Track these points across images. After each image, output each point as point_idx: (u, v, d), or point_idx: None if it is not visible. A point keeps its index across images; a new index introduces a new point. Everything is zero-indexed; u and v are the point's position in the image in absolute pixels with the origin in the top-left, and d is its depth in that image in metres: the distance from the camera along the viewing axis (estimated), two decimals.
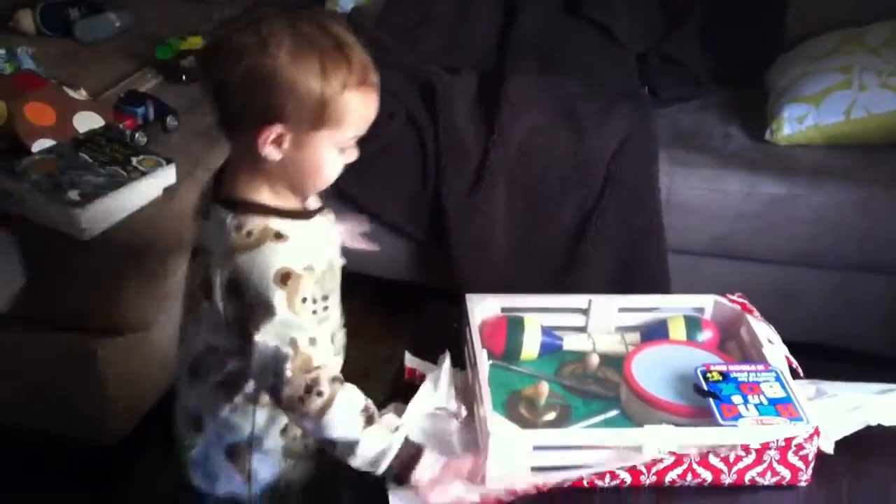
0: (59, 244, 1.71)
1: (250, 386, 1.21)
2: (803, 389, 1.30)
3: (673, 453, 1.19)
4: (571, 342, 1.43)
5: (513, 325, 1.40)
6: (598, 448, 1.20)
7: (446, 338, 1.41)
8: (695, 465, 1.21)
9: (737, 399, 1.23)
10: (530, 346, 1.40)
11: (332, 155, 1.15)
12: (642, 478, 1.21)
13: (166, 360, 1.89)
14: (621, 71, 2.43)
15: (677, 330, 1.41)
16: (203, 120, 2.10)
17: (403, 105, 2.21)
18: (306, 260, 1.14)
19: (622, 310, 1.46)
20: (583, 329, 1.46)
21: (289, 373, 1.11)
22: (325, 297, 1.21)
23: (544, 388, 1.29)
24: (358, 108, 1.13)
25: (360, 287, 1.44)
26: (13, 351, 1.78)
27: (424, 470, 1.16)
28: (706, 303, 1.46)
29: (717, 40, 2.47)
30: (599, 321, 1.45)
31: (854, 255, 2.07)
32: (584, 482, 1.21)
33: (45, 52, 2.33)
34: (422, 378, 1.35)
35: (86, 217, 1.69)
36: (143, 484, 1.86)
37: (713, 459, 1.20)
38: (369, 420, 1.15)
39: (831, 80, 2.17)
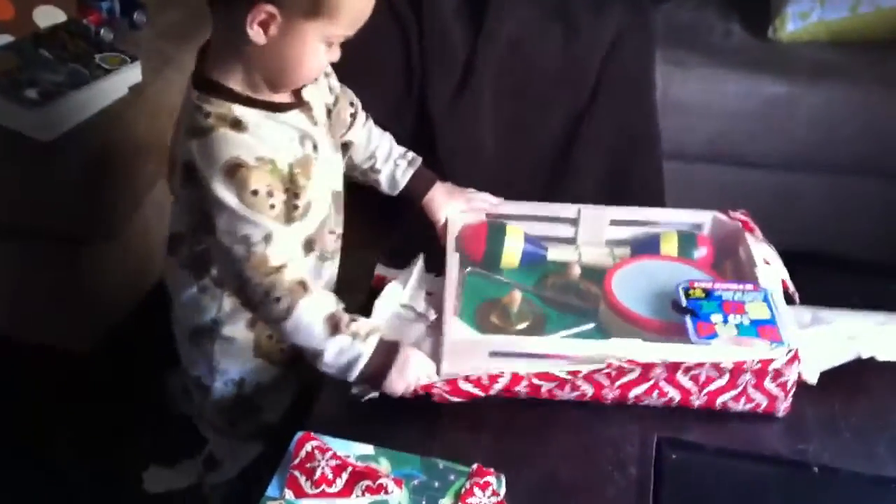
0: (17, 147, 1.62)
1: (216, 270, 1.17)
2: (798, 315, 1.21)
3: (633, 362, 1.11)
4: (556, 253, 1.35)
5: (494, 231, 1.33)
6: (556, 357, 1.13)
7: (427, 245, 1.35)
8: (661, 383, 1.14)
9: (716, 318, 1.15)
10: (511, 254, 1.32)
11: (317, 48, 1.08)
12: (605, 391, 1.15)
13: (140, 268, 1.85)
14: None
15: (669, 245, 1.32)
16: (174, 16, 2.00)
17: (393, 17, 2.10)
18: (264, 152, 1.08)
19: (614, 222, 1.37)
20: (571, 240, 1.38)
21: (247, 273, 1.07)
22: (295, 195, 1.12)
23: (517, 296, 1.23)
24: (355, 2, 1.07)
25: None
26: None
27: (399, 373, 1.11)
28: (705, 218, 1.36)
29: None
30: (589, 233, 1.37)
31: (853, 158, 2.00)
32: (543, 390, 1.14)
33: None
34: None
35: (45, 117, 1.60)
36: (113, 394, 1.81)
37: (682, 378, 1.13)
38: (335, 328, 1.09)
39: None
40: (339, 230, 1.26)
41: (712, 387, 1.14)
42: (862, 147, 1.98)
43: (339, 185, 1.25)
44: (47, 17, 1.84)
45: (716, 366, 1.12)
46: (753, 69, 2.01)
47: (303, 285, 1.09)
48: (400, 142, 1.34)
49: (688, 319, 1.15)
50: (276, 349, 1.24)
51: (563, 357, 1.13)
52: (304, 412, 1.18)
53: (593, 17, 2.08)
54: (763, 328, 1.14)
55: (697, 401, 1.15)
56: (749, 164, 2.06)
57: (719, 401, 1.15)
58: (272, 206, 1.08)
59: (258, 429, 1.29)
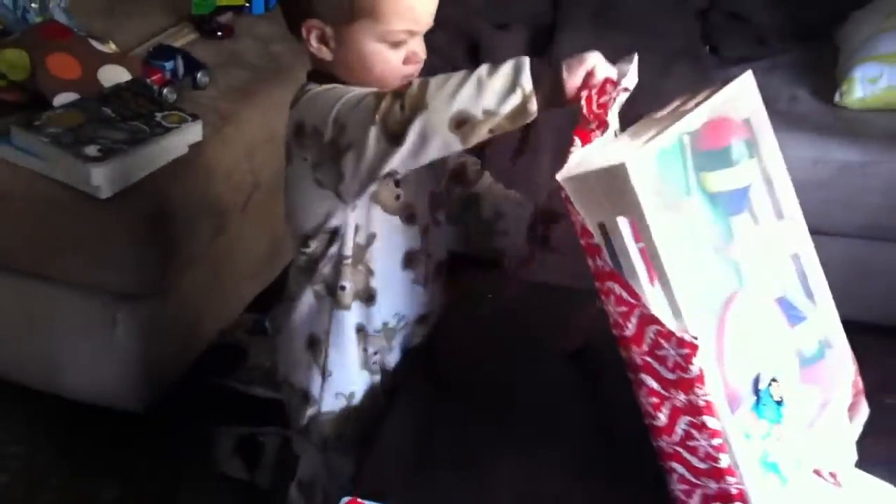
0: (76, 202, 1.63)
1: (326, 271, 1.18)
2: None
3: None
4: None
5: None
6: None
7: None
8: None
9: None
10: None
11: (377, 49, 1.08)
12: None
13: (193, 326, 1.84)
14: (681, 27, 2.29)
15: None
16: (237, 76, 2.02)
17: (448, 63, 2.10)
18: None
19: None
20: None
21: (367, 100, 1.00)
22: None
23: None
24: None
25: None
26: (30, 306, 1.75)
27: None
28: None
29: None
30: None
31: None
32: None
33: (80, 5, 2.26)
34: None
35: (103, 173, 1.61)
36: (165, 453, 1.80)
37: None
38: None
39: None
40: None
41: None
42: None
43: None
44: (112, 76, 1.86)
45: None
46: (822, 135, 1.96)
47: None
48: None
49: None
50: (375, 367, 1.26)
51: None
52: None
53: (657, 80, 2.06)
54: None
55: None
56: (821, 233, 1.99)
57: None
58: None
59: (361, 440, 1.27)
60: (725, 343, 0.97)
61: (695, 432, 0.94)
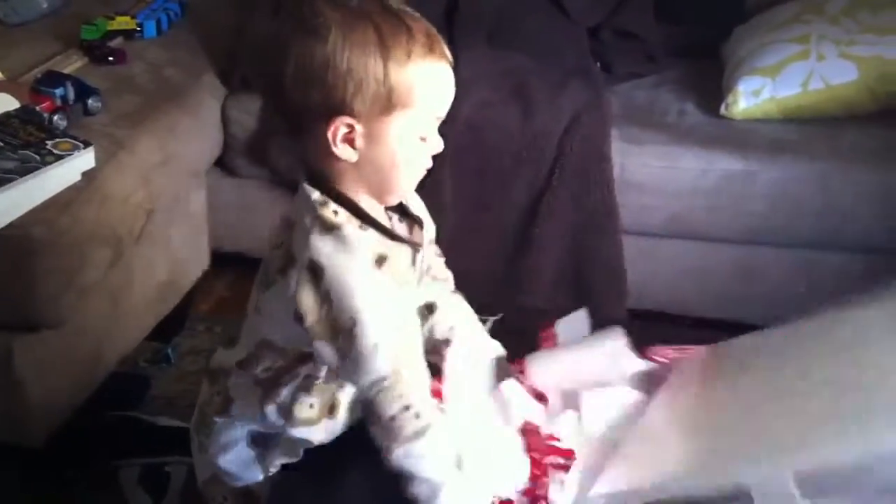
0: None
1: (286, 393, 1.11)
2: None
3: None
4: None
5: None
6: None
7: None
8: None
9: None
10: None
11: (413, 143, 1.04)
12: None
13: (91, 358, 1.80)
14: (573, 46, 2.34)
15: None
16: (129, 101, 1.99)
17: None
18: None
19: None
20: None
21: (387, 382, 1.00)
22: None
23: None
24: (429, 81, 1.01)
25: None
26: None
27: None
28: None
29: (671, 13, 2.38)
30: None
31: (812, 232, 2.00)
32: None
33: None
34: None
35: None
36: (66, 487, 1.75)
37: None
38: (458, 462, 1.03)
39: (788, 51, 2.09)
40: None
41: None
42: (819, 221, 1.99)
43: None
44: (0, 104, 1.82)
45: None
46: (709, 146, 2.02)
47: (438, 408, 1.05)
48: None
49: None
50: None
51: None
52: None
53: (550, 98, 2.11)
54: None
55: None
56: (709, 239, 2.06)
57: None
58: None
59: None
60: None
61: None
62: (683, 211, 2.03)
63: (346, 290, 1.00)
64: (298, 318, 1.02)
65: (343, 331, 1.00)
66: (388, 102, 0.99)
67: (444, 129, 2.05)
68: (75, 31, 2.25)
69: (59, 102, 1.89)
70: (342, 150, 1.02)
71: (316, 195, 1.04)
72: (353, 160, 1.02)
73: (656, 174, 2.03)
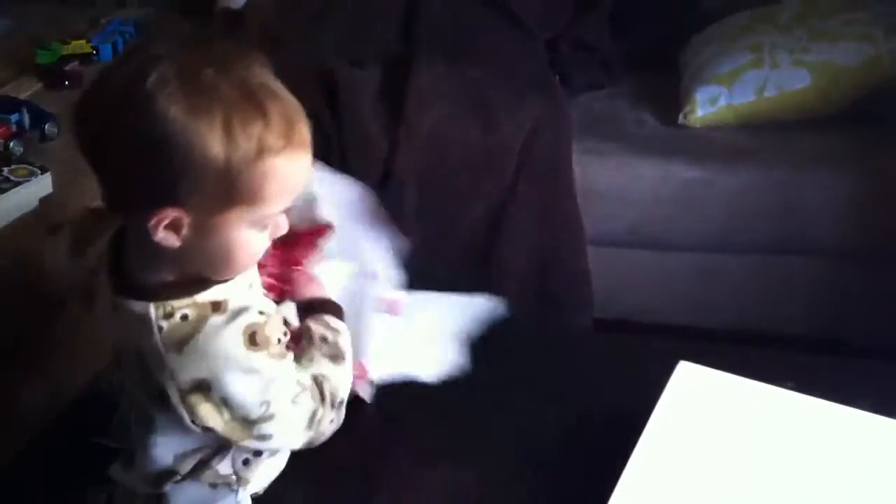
0: None
1: (224, 465, 1.07)
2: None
3: None
4: None
5: None
6: None
7: None
8: None
9: None
10: None
11: (249, 236, 0.92)
12: None
13: (55, 380, 1.77)
14: (532, 58, 2.35)
15: None
16: None
17: (304, 104, 2.10)
18: (257, 306, 0.97)
19: None
20: None
21: (318, 415, 1.02)
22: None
23: None
24: (280, 176, 0.89)
25: None
26: None
27: None
28: None
29: (627, 24, 2.41)
30: None
31: (771, 237, 2.03)
32: None
33: None
34: None
35: None
36: None
37: None
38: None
39: (743, 59, 2.12)
40: None
41: None
42: (777, 226, 2.01)
43: None
44: None
45: None
46: (667, 155, 2.05)
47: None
48: None
49: None
50: None
51: None
52: None
53: (511, 109, 2.12)
54: None
55: None
56: (671, 247, 2.08)
57: None
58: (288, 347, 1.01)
59: None
60: None
61: None
62: (645, 219, 2.05)
63: (234, 387, 0.94)
64: (207, 430, 0.97)
65: (257, 420, 0.97)
66: (227, 198, 0.88)
67: (406, 147, 2.09)
68: (30, 55, 2.24)
69: (14, 128, 1.86)
70: (163, 237, 0.90)
71: (153, 312, 0.93)
72: (175, 246, 0.91)
73: (617, 184, 2.05)
